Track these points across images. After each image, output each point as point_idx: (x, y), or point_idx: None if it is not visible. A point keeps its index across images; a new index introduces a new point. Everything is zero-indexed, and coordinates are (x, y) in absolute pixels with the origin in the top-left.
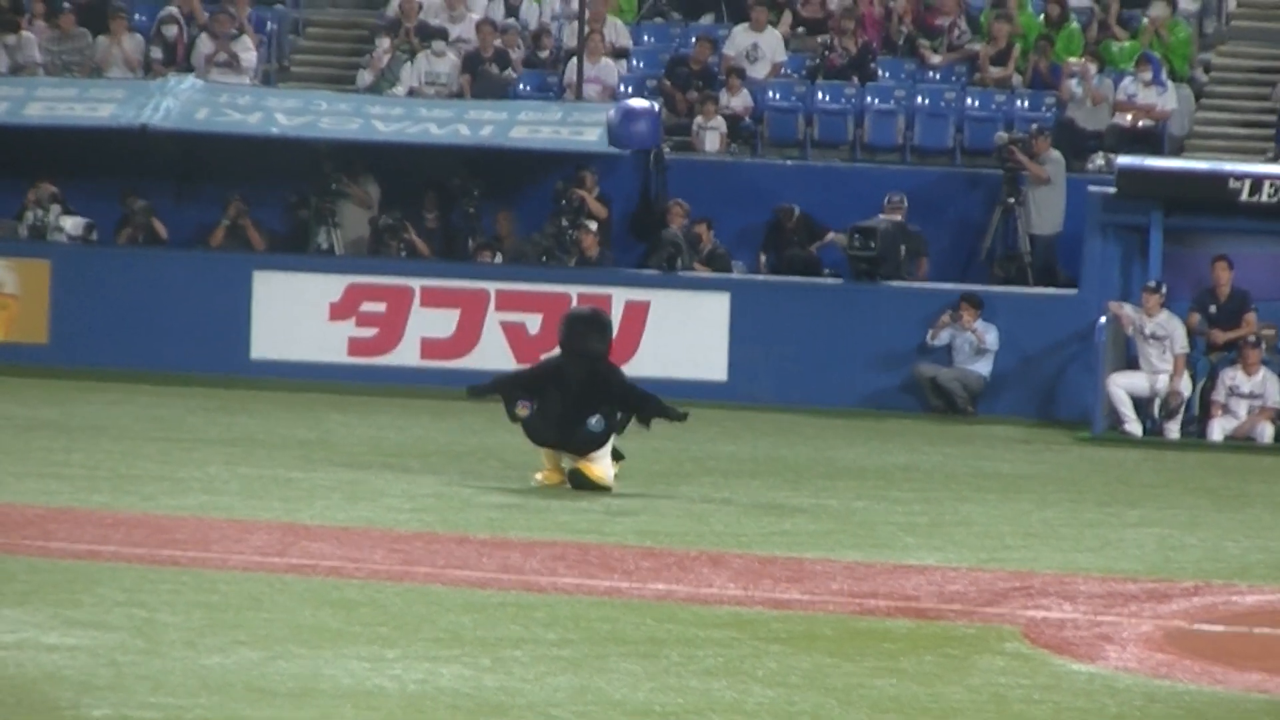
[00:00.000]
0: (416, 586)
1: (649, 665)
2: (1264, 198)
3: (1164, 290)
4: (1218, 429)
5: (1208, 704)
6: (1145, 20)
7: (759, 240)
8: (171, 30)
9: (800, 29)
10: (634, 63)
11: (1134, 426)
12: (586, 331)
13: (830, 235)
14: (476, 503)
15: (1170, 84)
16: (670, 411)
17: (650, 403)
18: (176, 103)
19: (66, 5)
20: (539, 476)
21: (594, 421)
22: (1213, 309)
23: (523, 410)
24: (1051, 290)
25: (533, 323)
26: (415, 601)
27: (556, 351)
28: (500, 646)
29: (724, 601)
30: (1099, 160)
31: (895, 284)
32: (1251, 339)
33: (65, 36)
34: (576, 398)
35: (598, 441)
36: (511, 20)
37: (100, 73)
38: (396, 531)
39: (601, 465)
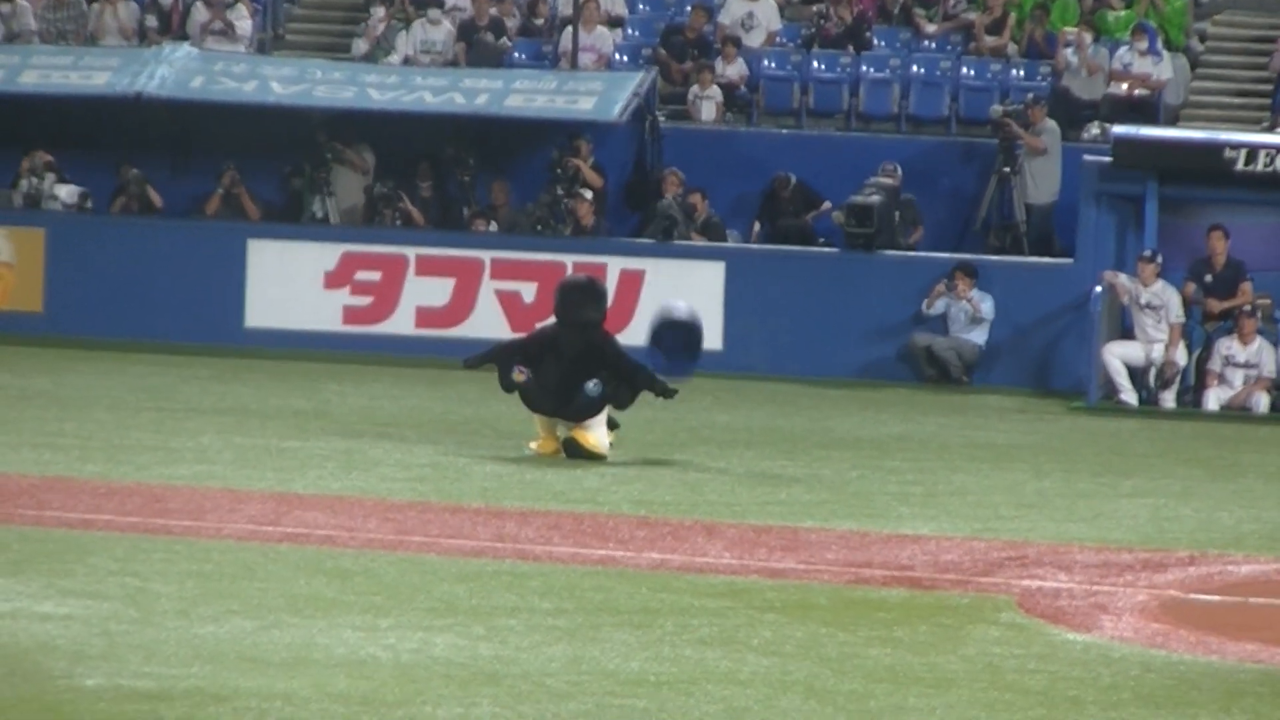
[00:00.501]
0: (411, 556)
1: (643, 634)
2: (1259, 167)
3: (1159, 260)
4: (1213, 399)
5: (1203, 674)
6: None
7: (754, 209)
8: None
9: (795, 3)
10: (629, 31)
11: (1129, 396)
12: (582, 300)
13: (826, 205)
14: (471, 472)
15: (1166, 53)
16: (660, 386)
17: (641, 374)
18: (172, 71)
19: None
20: (533, 445)
21: (591, 385)
22: (1208, 279)
23: (519, 376)
24: (1047, 260)
25: (528, 291)
26: (409, 571)
27: (552, 320)
28: (494, 616)
29: (719, 571)
30: (1094, 130)
31: (890, 254)
32: (1247, 309)
33: (61, 4)
34: (572, 365)
35: (595, 407)
36: None
37: (95, 41)
38: (391, 501)
39: (596, 434)
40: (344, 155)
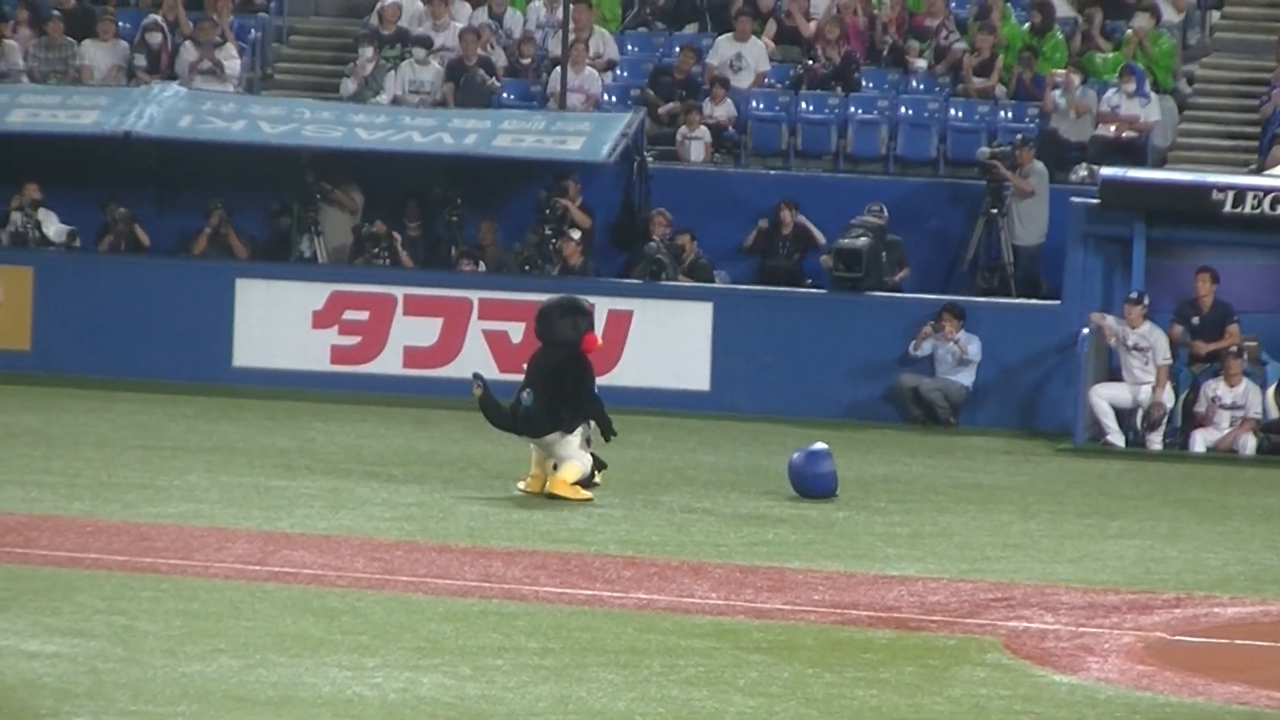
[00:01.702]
0: (397, 595)
1: (630, 674)
2: (1247, 209)
3: (1146, 302)
4: (1200, 440)
5: (1189, 715)
6: (1129, 32)
7: (743, 249)
8: (155, 38)
9: (783, 44)
10: (618, 72)
11: (1116, 438)
12: (553, 319)
13: (820, 240)
14: (458, 511)
15: (1154, 95)
16: (604, 423)
17: (590, 404)
18: (160, 110)
19: (56, 13)
20: (521, 485)
21: (525, 395)
22: (1195, 320)
23: (476, 390)
24: (1034, 301)
25: (515, 331)
26: (396, 610)
27: None
28: (481, 655)
29: (705, 611)
30: (1082, 171)
31: (877, 295)
32: (1234, 350)
33: (51, 45)
34: (542, 383)
35: (537, 420)
36: (491, 22)
37: (83, 80)
38: (378, 540)
39: (567, 472)
40: (332, 195)
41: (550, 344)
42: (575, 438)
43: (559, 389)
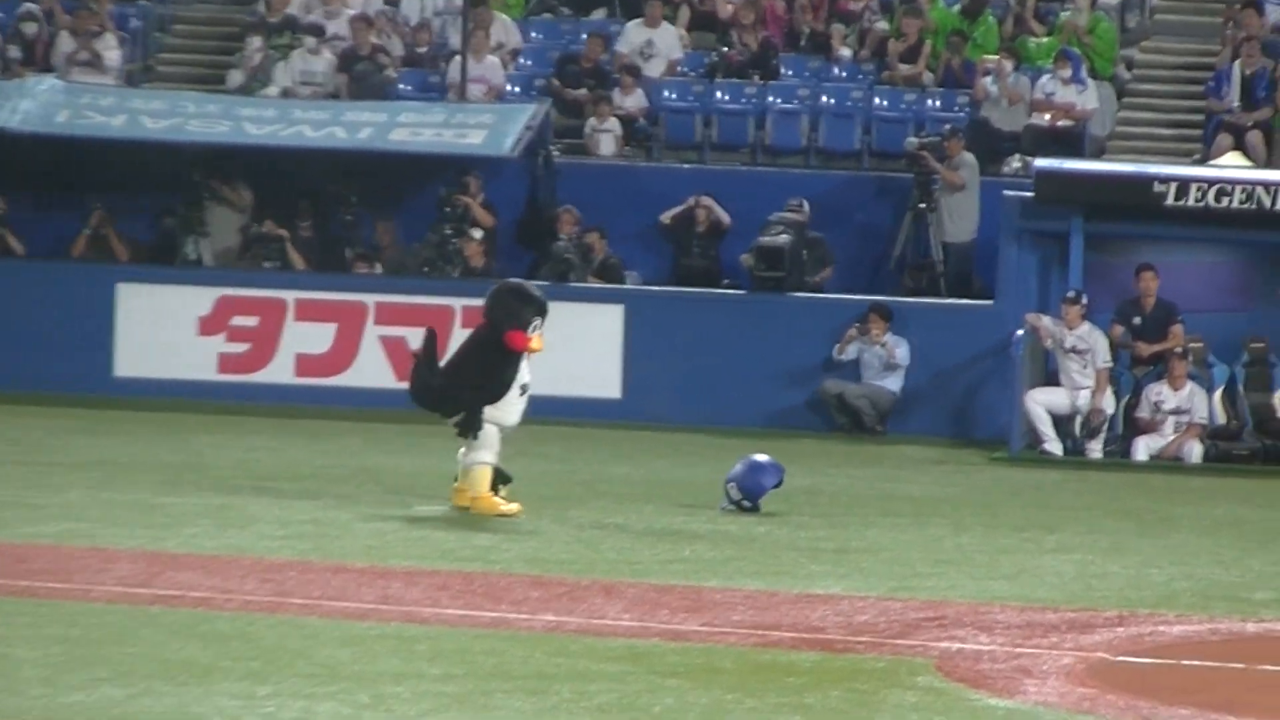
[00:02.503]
0: (290, 618)
1: (538, 701)
2: (1191, 202)
3: (1085, 301)
4: (1142, 448)
5: None
6: (1064, 15)
7: (656, 247)
8: (30, 28)
9: (697, 30)
10: (522, 61)
11: (1053, 446)
12: (498, 296)
13: (728, 222)
14: (355, 529)
15: (1091, 82)
16: (470, 417)
17: (475, 393)
18: (35, 104)
19: None
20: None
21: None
22: (1137, 320)
23: (416, 350)
24: (966, 301)
25: (414, 337)
26: (289, 634)
27: None
28: (380, 682)
29: (618, 633)
30: (1015, 163)
31: (799, 295)
32: (1178, 351)
33: None
34: (452, 358)
35: (436, 398)
36: (387, 9)
37: None
38: (269, 560)
39: (478, 475)
40: (220, 193)
41: (487, 321)
42: (485, 429)
43: (466, 369)
